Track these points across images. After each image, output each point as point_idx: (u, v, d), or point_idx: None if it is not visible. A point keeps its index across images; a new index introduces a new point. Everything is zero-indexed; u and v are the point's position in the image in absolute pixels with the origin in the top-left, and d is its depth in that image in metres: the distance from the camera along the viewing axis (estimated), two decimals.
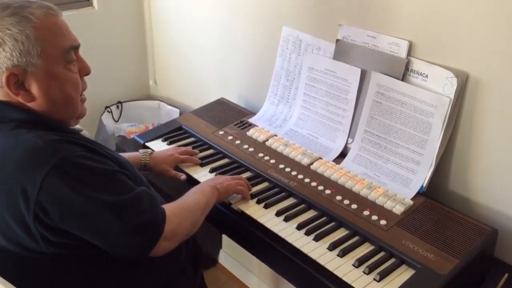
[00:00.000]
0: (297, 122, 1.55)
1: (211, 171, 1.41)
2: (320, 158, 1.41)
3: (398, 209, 1.20)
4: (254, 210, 1.24)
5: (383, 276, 1.05)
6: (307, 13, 1.53)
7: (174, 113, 2.16)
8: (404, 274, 1.06)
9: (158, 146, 1.53)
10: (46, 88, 0.98)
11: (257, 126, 1.58)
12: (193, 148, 1.50)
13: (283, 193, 1.31)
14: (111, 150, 1.10)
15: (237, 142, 1.51)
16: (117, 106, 2.22)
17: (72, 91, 1.02)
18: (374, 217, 1.19)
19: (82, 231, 0.94)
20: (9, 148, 0.94)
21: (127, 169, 1.05)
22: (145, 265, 1.06)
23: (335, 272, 1.06)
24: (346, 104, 1.43)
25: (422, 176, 1.26)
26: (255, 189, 1.32)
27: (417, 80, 1.28)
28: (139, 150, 1.41)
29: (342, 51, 1.43)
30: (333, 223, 1.20)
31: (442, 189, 1.31)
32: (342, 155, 1.42)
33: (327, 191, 1.28)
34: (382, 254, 1.11)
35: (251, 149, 1.47)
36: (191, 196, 1.15)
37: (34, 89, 0.97)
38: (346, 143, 1.43)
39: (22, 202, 0.91)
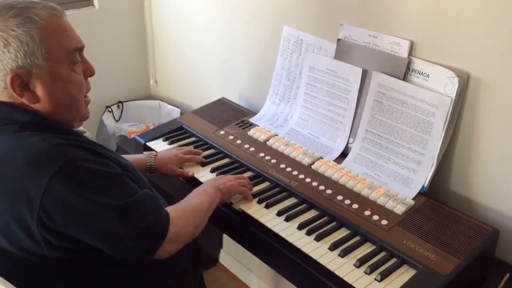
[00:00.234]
0: (298, 122, 1.55)
1: (212, 171, 1.41)
2: (321, 158, 1.41)
3: (399, 209, 1.20)
4: (255, 210, 1.24)
5: (384, 276, 1.05)
6: (308, 12, 1.53)
7: (175, 112, 2.16)
8: (405, 274, 1.06)
9: (159, 146, 1.53)
10: (50, 89, 0.97)
11: (258, 126, 1.58)
12: (194, 148, 1.50)
13: (284, 193, 1.31)
14: (114, 152, 1.10)
15: (238, 141, 1.51)
16: (118, 106, 2.22)
17: (76, 92, 1.01)
18: (375, 217, 1.19)
19: (86, 235, 0.94)
20: (13, 151, 0.93)
21: (130, 172, 1.04)
22: (147, 268, 1.06)
23: (336, 272, 1.06)
24: (347, 104, 1.43)
25: (423, 176, 1.26)
26: (256, 189, 1.32)
27: (418, 79, 1.28)
28: (144, 152, 1.41)
29: (343, 51, 1.43)
30: (334, 223, 1.20)
31: (443, 189, 1.31)
32: (343, 155, 1.42)
33: (328, 191, 1.28)
34: (383, 254, 1.11)
35: (252, 149, 1.47)
36: (194, 198, 1.15)
37: (39, 90, 0.97)
38: (347, 143, 1.43)
39: (26, 206, 0.90)
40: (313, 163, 1.39)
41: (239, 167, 1.42)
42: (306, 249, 1.11)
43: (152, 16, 2.22)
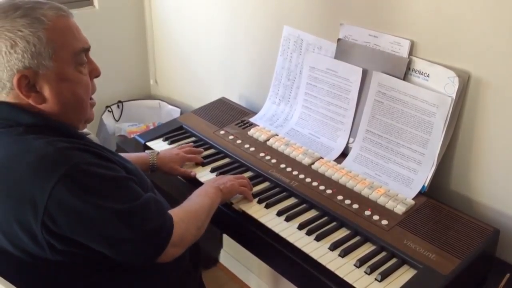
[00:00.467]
0: (298, 122, 1.55)
1: (212, 170, 1.41)
2: (321, 157, 1.41)
3: (400, 209, 1.20)
4: (255, 210, 1.24)
5: (384, 276, 1.04)
6: (309, 12, 1.53)
7: (175, 112, 2.16)
8: (405, 274, 1.06)
9: (159, 145, 1.53)
10: (57, 90, 0.97)
11: (258, 126, 1.58)
12: (194, 147, 1.50)
13: (284, 193, 1.31)
14: (118, 155, 1.09)
15: (238, 141, 1.51)
16: (118, 106, 2.22)
17: (83, 93, 1.01)
18: (376, 217, 1.18)
19: (90, 239, 0.94)
20: (18, 154, 0.92)
21: (134, 175, 1.04)
22: (149, 271, 1.06)
23: (336, 272, 1.06)
24: (348, 104, 1.43)
25: (423, 176, 1.26)
26: (256, 189, 1.32)
27: (418, 79, 1.28)
28: (145, 151, 1.41)
29: (344, 51, 1.43)
30: (334, 223, 1.20)
31: (444, 189, 1.31)
32: (343, 154, 1.42)
33: (328, 191, 1.28)
34: (383, 254, 1.11)
35: (252, 149, 1.47)
36: (195, 200, 1.15)
37: (45, 91, 0.96)
38: (348, 142, 1.43)
39: (30, 210, 0.90)
40: (313, 163, 1.39)
41: (239, 167, 1.41)
42: (306, 249, 1.11)
43: (152, 16, 2.22)
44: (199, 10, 1.94)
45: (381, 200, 1.23)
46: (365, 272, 1.06)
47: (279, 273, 1.26)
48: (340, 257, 1.09)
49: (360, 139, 1.39)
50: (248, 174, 1.39)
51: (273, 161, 1.41)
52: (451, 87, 1.20)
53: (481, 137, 1.21)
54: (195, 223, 1.09)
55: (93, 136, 1.15)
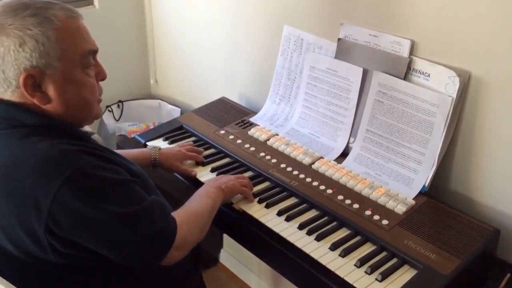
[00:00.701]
0: (299, 122, 1.55)
1: (212, 170, 1.40)
2: (322, 157, 1.40)
3: (400, 209, 1.20)
4: (255, 210, 1.24)
5: (385, 276, 1.04)
6: (309, 12, 1.52)
7: (175, 112, 2.16)
8: (406, 274, 1.06)
9: (159, 145, 1.53)
10: (62, 91, 0.96)
11: (258, 126, 1.58)
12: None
13: (285, 193, 1.31)
14: (122, 157, 1.09)
15: (238, 141, 1.51)
16: (118, 105, 2.22)
17: (88, 95, 1.01)
18: (376, 217, 1.18)
19: (93, 242, 0.94)
20: (22, 156, 0.92)
21: (138, 177, 1.04)
22: (151, 271, 1.06)
23: (337, 272, 1.06)
24: (348, 104, 1.42)
25: (424, 176, 1.26)
26: (256, 188, 1.32)
27: (419, 79, 1.28)
28: (147, 147, 1.41)
29: (344, 50, 1.43)
30: (334, 223, 1.20)
31: (444, 188, 1.31)
32: (344, 154, 1.42)
33: (329, 191, 1.28)
34: (384, 254, 1.11)
35: (252, 149, 1.47)
36: (197, 201, 1.15)
37: (51, 91, 0.96)
38: (348, 142, 1.43)
39: (34, 213, 0.90)
40: (313, 163, 1.38)
41: (240, 167, 1.41)
42: (306, 249, 1.11)
43: (152, 15, 2.22)
44: (199, 10, 1.94)
45: (382, 200, 1.23)
46: (365, 272, 1.06)
47: (279, 272, 1.26)
48: (340, 257, 1.09)
49: (361, 139, 1.39)
50: (248, 174, 1.39)
51: (273, 161, 1.41)
52: (452, 87, 1.20)
53: (481, 137, 1.21)
54: (198, 225, 1.08)
55: (97, 136, 1.15)
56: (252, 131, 1.54)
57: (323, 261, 1.08)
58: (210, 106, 1.73)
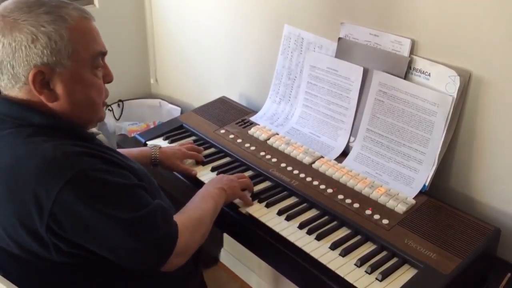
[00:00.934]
0: (299, 121, 1.55)
1: (213, 170, 1.40)
2: (322, 157, 1.40)
3: (400, 208, 1.20)
4: (255, 209, 1.24)
5: (385, 275, 1.04)
6: (309, 11, 1.52)
7: (175, 111, 2.16)
8: (406, 273, 1.06)
9: (160, 144, 1.53)
10: (70, 90, 0.97)
11: (259, 125, 1.58)
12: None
13: (285, 192, 1.31)
14: (128, 158, 1.09)
15: (239, 140, 1.51)
16: (118, 105, 2.22)
17: (95, 96, 1.01)
18: (376, 216, 1.18)
19: (93, 245, 0.94)
20: (25, 157, 0.92)
21: (143, 179, 1.04)
22: (155, 274, 1.05)
23: (337, 272, 1.06)
24: (348, 103, 1.42)
25: (424, 175, 1.26)
26: (256, 188, 1.32)
27: (419, 78, 1.27)
28: (148, 145, 1.41)
29: (344, 50, 1.43)
30: (335, 222, 1.20)
31: (445, 188, 1.31)
32: (344, 154, 1.42)
33: (329, 190, 1.28)
34: (384, 253, 1.11)
35: (252, 148, 1.47)
36: (200, 203, 1.14)
37: (59, 89, 0.96)
38: (348, 142, 1.43)
39: (35, 212, 0.90)
40: (313, 162, 1.38)
41: (240, 166, 1.41)
42: (306, 248, 1.11)
43: (152, 15, 2.22)
44: (199, 9, 1.94)
45: (382, 200, 1.23)
46: (365, 271, 1.06)
47: (280, 272, 1.26)
48: (340, 257, 1.09)
49: (361, 138, 1.39)
50: (249, 173, 1.39)
51: (274, 160, 1.41)
52: (452, 86, 1.20)
53: (482, 136, 1.21)
54: (200, 230, 1.08)
55: (102, 137, 1.15)
56: (252, 131, 1.54)
57: (323, 260, 1.08)
58: (210, 106, 1.73)
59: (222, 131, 1.57)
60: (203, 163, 1.43)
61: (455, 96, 1.20)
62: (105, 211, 0.91)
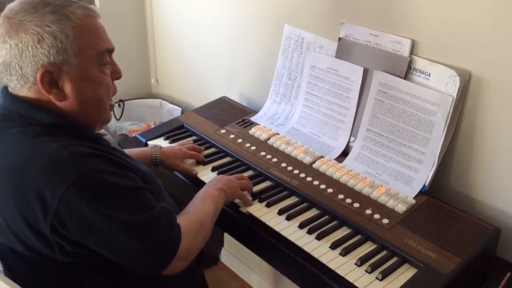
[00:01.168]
0: (299, 121, 1.55)
1: (213, 169, 1.41)
2: (322, 156, 1.41)
3: (400, 208, 1.20)
4: (256, 209, 1.24)
5: (385, 275, 1.05)
6: (309, 11, 1.53)
7: (176, 111, 2.16)
8: (406, 273, 1.06)
9: (161, 144, 1.53)
10: (78, 88, 0.97)
11: (259, 125, 1.58)
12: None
13: (285, 192, 1.31)
14: (134, 159, 1.09)
15: (239, 140, 1.51)
16: (119, 105, 2.22)
17: (103, 93, 1.01)
18: (376, 216, 1.19)
19: (97, 246, 0.94)
20: (31, 156, 0.92)
21: (148, 180, 1.04)
22: (157, 275, 1.06)
23: (337, 271, 1.06)
24: (349, 103, 1.43)
25: (424, 175, 1.26)
26: (257, 188, 1.32)
27: (419, 78, 1.28)
28: (148, 145, 1.41)
29: (345, 50, 1.43)
30: (335, 222, 1.20)
31: (445, 188, 1.31)
32: (344, 153, 1.42)
33: (329, 190, 1.28)
34: (384, 253, 1.11)
35: (253, 148, 1.47)
36: (200, 205, 1.14)
37: (67, 88, 0.96)
38: (348, 141, 1.43)
39: (40, 212, 0.90)
40: (314, 162, 1.39)
41: (240, 166, 1.42)
42: (307, 248, 1.11)
43: (153, 15, 2.22)
44: (200, 9, 1.94)
45: (382, 199, 1.23)
46: (365, 271, 1.06)
47: (280, 271, 1.26)
48: (340, 256, 1.10)
49: (361, 138, 1.39)
50: (249, 173, 1.39)
51: (274, 160, 1.41)
52: (452, 86, 1.20)
53: (481, 136, 1.21)
54: (202, 233, 1.08)
55: (109, 137, 1.15)
56: (252, 131, 1.54)
57: (323, 260, 1.08)
58: (211, 106, 1.73)
59: (223, 131, 1.57)
60: (204, 163, 1.44)
61: (455, 96, 1.20)
62: (109, 213, 0.91)
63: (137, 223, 0.94)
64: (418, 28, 1.26)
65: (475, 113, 1.21)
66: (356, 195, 1.26)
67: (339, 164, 1.37)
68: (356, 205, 1.23)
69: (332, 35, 1.45)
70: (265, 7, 1.66)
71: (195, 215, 1.11)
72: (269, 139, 1.50)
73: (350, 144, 1.43)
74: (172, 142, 1.54)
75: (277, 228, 1.18)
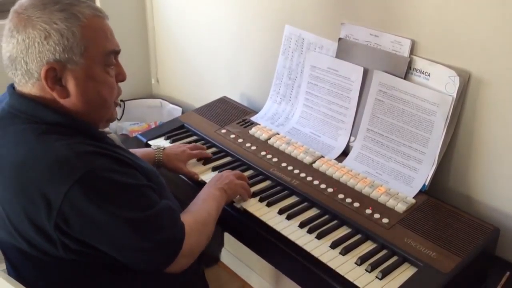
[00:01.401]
0: (300, 121, 1.55)
1: (214, 169, 1.41)
2: (322, 156, 1.41)
3: (400, 208, 1.20)
4: (256, 208, 1.25)
5: (385, 274, 1.05)
6: (310, 11, 1.53)
7: (176, 111, 2.16)
8: (406, 272, 1.07)
9: (161, 144, 1.53)
10: (82, 87, 0.97)
11: (260, 125, 1.58)
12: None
13: (286, 191, 1.31)
14: (138, 157, 1.09)
15: (240, 140, 1.52)
16: (120, 105, 2.22)
17: (107, 94, 1.02)
18: (376, 216, 1.19)
19: (101, 244, 0.94)
20: (36, 154, 0.93)
21: (152, 179, 1.05)
22: (161, 273, 1.06)
23: (338, 270, 1.06)
24: (349, 103, 1.43)
25: (424, 175, 1.26)
26: (257, 187, 1.32)
27: (419, 78, 1.28)
28: (151, 146, 1.41)
29: (345, 50, 1.43)
30: (335, 221, 1.20)
31: (444, 187, 1.32)
32: (344, 153, 1.42)
33: (329, 190, 1.29)
34: (384, 252, 1.11)
35: (253, 148, 1.47)
36: (203, 206, 1.15)
37: (71, 86, 0.97)
38: (348, 141, 1.44)
39: (44, 210, 0.90)
40: (314, 162, 1.39)
41: (240, 166, 1.42)
42: (307, 247, 1.12)
43: (153, 15, 2.22)
44: (200, 9, 1.95)
45: (382, 199, 1.24)
46: (366, 270, 1.06)
47: (280, 271, 1.26)
48: (341, 255, 1.10)
49: (361, 138, 1.39)
50: (249, 172, 1.39)
51: (274, 160, 1.42)
52: (452, 86, 1.21)
53: (481, 136, 1.22)
54: (205, 232, 1.09)
55: (113, 135, 1.15)
56: (253, 130, 1.55)
57: (323, 259, 1.09)
58: (211, 106, 1.74)
59: (223, 131, 1.57)
60: (204, 163, 1.44)
61: (455, 96, 1.20)
62: (113, 210, 0.91)
63: (141, 220, 0.94)
64: (418, 28, 1.27)
65: (475, 113, 1.21)
66: (356, 194, 1.27)
67: (339, 164, 1.38)
68: (356, 204, 1.23)
69: (332, 35, 1.46)
70: (266, 8, 1.67)
71: (198, 215, 1.11)
72: (269, 139, 1.51)
73: (350, 144, 1.43)
74: (172, 142, 1.54)
75: (277, 227, 1.18)
